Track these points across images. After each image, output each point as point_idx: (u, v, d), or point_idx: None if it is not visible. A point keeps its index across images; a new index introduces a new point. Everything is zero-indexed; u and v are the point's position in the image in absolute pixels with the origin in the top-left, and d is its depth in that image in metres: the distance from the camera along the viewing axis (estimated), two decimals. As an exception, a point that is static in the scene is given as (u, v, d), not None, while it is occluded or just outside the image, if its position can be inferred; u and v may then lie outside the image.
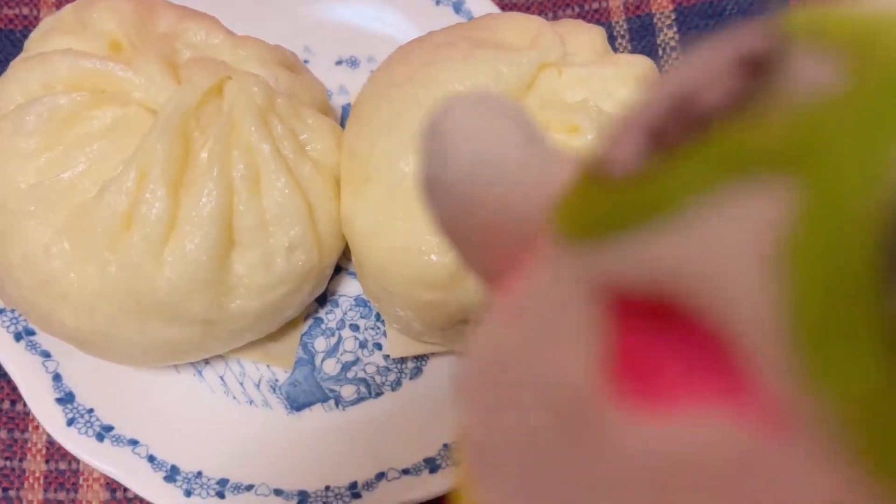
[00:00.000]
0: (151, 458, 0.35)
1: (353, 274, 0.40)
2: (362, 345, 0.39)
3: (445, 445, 0.36)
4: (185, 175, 0.32)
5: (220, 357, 0.38)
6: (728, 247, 0.08)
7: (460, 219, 0.13)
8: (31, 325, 0.36)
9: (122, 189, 0.30)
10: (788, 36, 0.08)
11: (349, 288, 0.39)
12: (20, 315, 0.36)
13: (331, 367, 0.38)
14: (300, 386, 0.38)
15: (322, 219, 0.34)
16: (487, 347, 0.11)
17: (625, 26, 0.44)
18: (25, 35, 0.42)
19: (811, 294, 0.07)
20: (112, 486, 0.37)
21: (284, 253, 0.33)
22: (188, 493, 0.35)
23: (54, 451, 0.37)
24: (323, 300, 0.39)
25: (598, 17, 0.44)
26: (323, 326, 0.39)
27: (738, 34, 0.09)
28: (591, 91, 0.33)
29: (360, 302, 0.39)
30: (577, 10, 0.44)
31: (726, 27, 0.09)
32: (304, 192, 0.33)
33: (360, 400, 0.38)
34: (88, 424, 0.35)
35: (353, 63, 0.43)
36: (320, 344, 0.39)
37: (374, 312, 0.39)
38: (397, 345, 0.38)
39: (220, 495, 0.35)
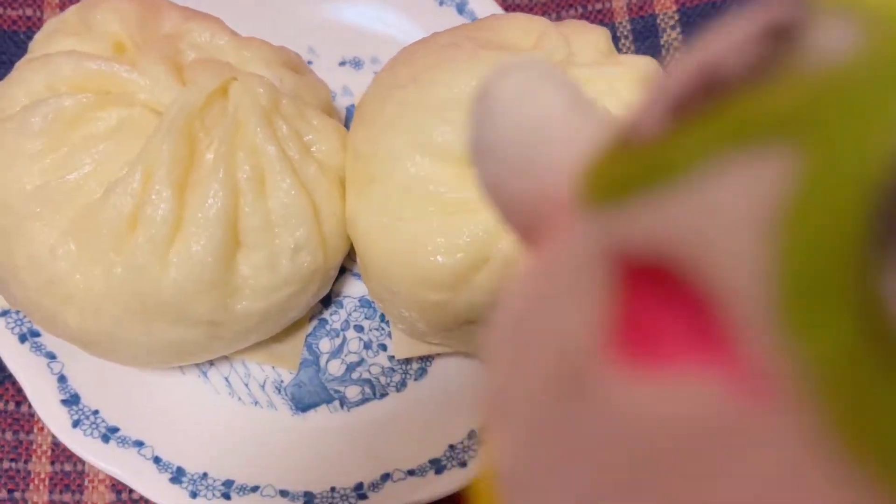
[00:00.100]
0: (157, 460, 0.35)
1: (358, 275, 0.40)
2: (367, 346, 0.39)
3: (451, 446, 0.36)
4: (190, 176, 0.32)
5: (225, 358, 0.38)
6: (724, 211, 0.08)
7: (507, 181, 0.13)
8: (36, 327, 0.36)
9: (127, 190, 0.30)
10: (815, 5, 0.08)
11: (354, 289, 0.39)
12: (25, 316, 0.36)
13: (336, 367, 0.38)
14: (305, 387, 0.38)
15: (327, 220, 0.34)
16: (511, 304, 0.12)
17: (628, 27, 0.44)
18: (29, 36, 0.42)
19: (798, 257, 0.07)
20: (117, 487, 0.37)
21: (290, 254, 0.33)
22: (194, 495, 0.35)
23: (59, 452, 0.37)
24: (327, 301, 0.39)
25: (601, 17, 0.44)
26: (328, 327, 0.39)
27: (767, 3, 0.09)
28: (596, 92, 0.33)
29: (365, 303, 0.39)
30: (580, 10, 0.44)
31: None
32: (310, 194, 0.33)
33: (364, 401, 0.38)
34: (94, 426, 0.35)
35: (357, 64, 0.43)
36: (325, 345, 0.39)
37: (378, 313, 0.39)
38: (402, 346, 0.38)
39: (226, 496, 0.35)
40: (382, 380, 0.38)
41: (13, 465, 0.37)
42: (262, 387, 0.38)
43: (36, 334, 0.36)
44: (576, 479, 0.10)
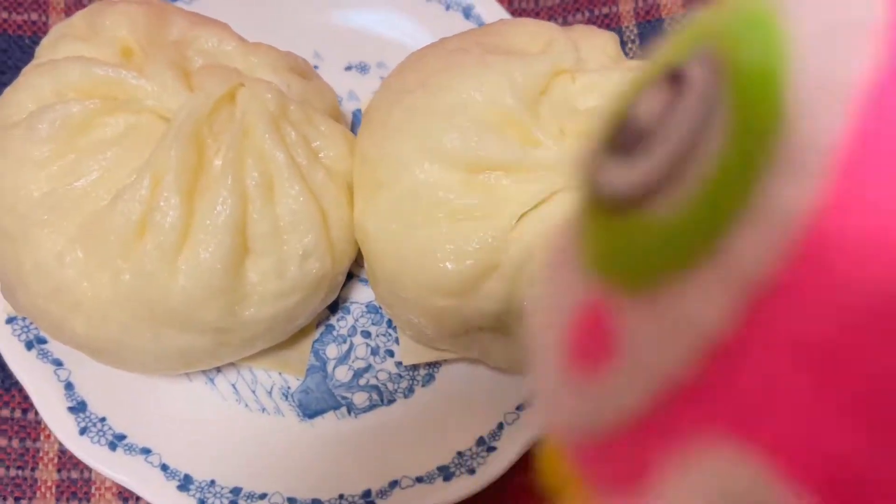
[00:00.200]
0: (164, 467, 0.35)
1: (365, 280, 0.39)
2: (374, 352, 0.39)
3: (459, 453, 0.36)
4: (198, 182, 0.31)
5: (232, 365, 0.37)
6: None
7: None
8: (43, 334, 0.36)
9: (135, 197, 0.30)
10: (690, 48, 0.11)
11: (360, 294, 0.39)
12: (32, 323, 0.36)
13: (343, 374, 0.38)
14: (312, 393, 0.38)
15: (335, 226, 0.34)
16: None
17: (635, 31, 0.43)
18: (34, 41, 0.41)
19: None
20: (124, 494, 0.37)
21: (298, 260, 0.33)
22: (202, 503, 0.34)
23: (66, 459, 0.37)
24: (334, 307, 0.39)
25: (608, 22, 0.44)
26: (334, 333, 0.39)
27: (661, 50, 0.11)
28: (605, 97, 0.32)
29: (372, 308, 0.39)
30: (586, 14, 0.44)
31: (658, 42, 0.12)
32: (318, 200, 0.33)
33: (372, 407, 0.38)
34: (101, 433, 0.35)
35: (363, 69, 0.42)
36: (332, 351, 0.39)
37: (385, 319, 0.39)
38: (409, 352, 0.38)
39: (234, 504, 0.35)
40: (390, 386, 0.38)
41: (20, 472, 0.37)
42: (270, 393, 0.37)
43: (43, 341, 0.36)
44: None
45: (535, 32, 0.34)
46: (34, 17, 0.43)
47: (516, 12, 0.45)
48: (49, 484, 0.37)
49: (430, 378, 0.38)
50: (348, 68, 0.42)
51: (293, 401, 0.37)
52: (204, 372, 0.37)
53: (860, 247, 0.08)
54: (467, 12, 0.42)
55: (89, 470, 0.37)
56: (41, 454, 0.37)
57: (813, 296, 0.09)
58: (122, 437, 0.35)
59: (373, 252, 0.34)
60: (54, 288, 0.31)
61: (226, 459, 0.36)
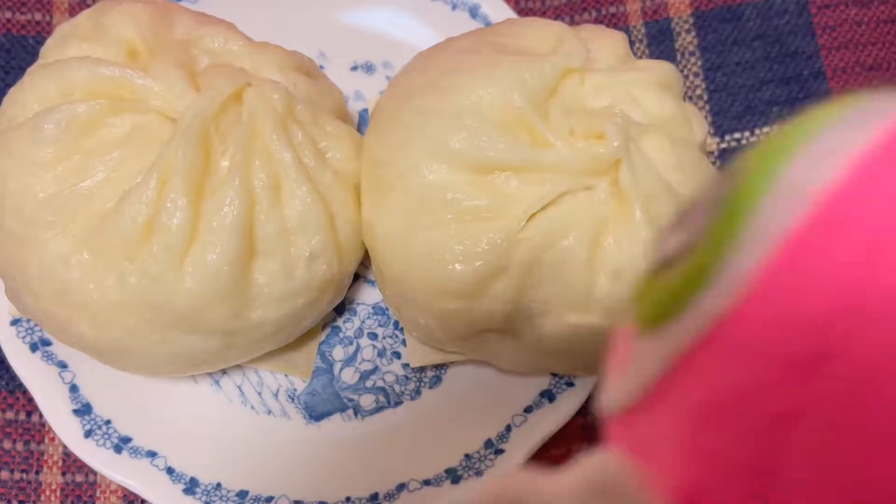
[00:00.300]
0: (170, 470, 0.35)
1: (371, 282, 0.39)
2: (381, 353, 0.38)
3: (467, 455, 0.36)
4: (205, 184, 0.31)
5: (238, 367, 0.37)
6: None
7: None
8: (48, 336, 0.36)
9: (142, 198, 0.30)
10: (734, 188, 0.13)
11: (367, 296, 0.39)
12: (36, 325, 0.36)
13: (349, 376, 0.38)
14: (318, 395, 0.37)
15: (342, 227, 0.34)
16: None
17: (643, 31, 0.43)
18: (38, 41, 0.41)
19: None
20: (129, 498, 0.37)
21: (305, 262, 0.33)
22: (208, 506, 0.34)
23: (71, 463, 0.37)
24: (341, 308, 0.39)
25: (615, 21, 0.44)
26: (341, 335, 0.39)
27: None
28: (614, 97, 0.32)
29: (379, 310, 0.39)
30: (594, 14, 0.44)
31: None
32: (325, 201, 0.33)
33: (379, 409, 0.37)
34: (106, 436, 0.35)
35: (369, 68, 0.42)
36: (338, 353, 0.38)
37: (392, 320, 0.39)
38: (416, 353, 0.38)
39: (241, 507, 0.35)
40: (397, 388, 0.38)
41: (24, 475, 0.36)
42: (276, 395, 0.37)
43: (47, 343, 0.36)
44: None
45: (545, 32, 0.34)
46: (38, 16, 0.43)
47: (523, 12, 0.44)
48: (54, 487, 0.36)
49: (437, 380, 0.38)
50: (354, 68, 0.42)
51: (299, 403, 0.37)
52: (210, 374, 0.37)
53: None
54: (473, 12, 0.42)
55: (94, 473, 0.37)
56: (46, 457, 0.37)
57: (701, 370, 0.12)
58: (127, 440, 0.35)
59: (381, 253, 0.33)
60: (60, 290, 0.31)
61: (232, 462, 0.36)
